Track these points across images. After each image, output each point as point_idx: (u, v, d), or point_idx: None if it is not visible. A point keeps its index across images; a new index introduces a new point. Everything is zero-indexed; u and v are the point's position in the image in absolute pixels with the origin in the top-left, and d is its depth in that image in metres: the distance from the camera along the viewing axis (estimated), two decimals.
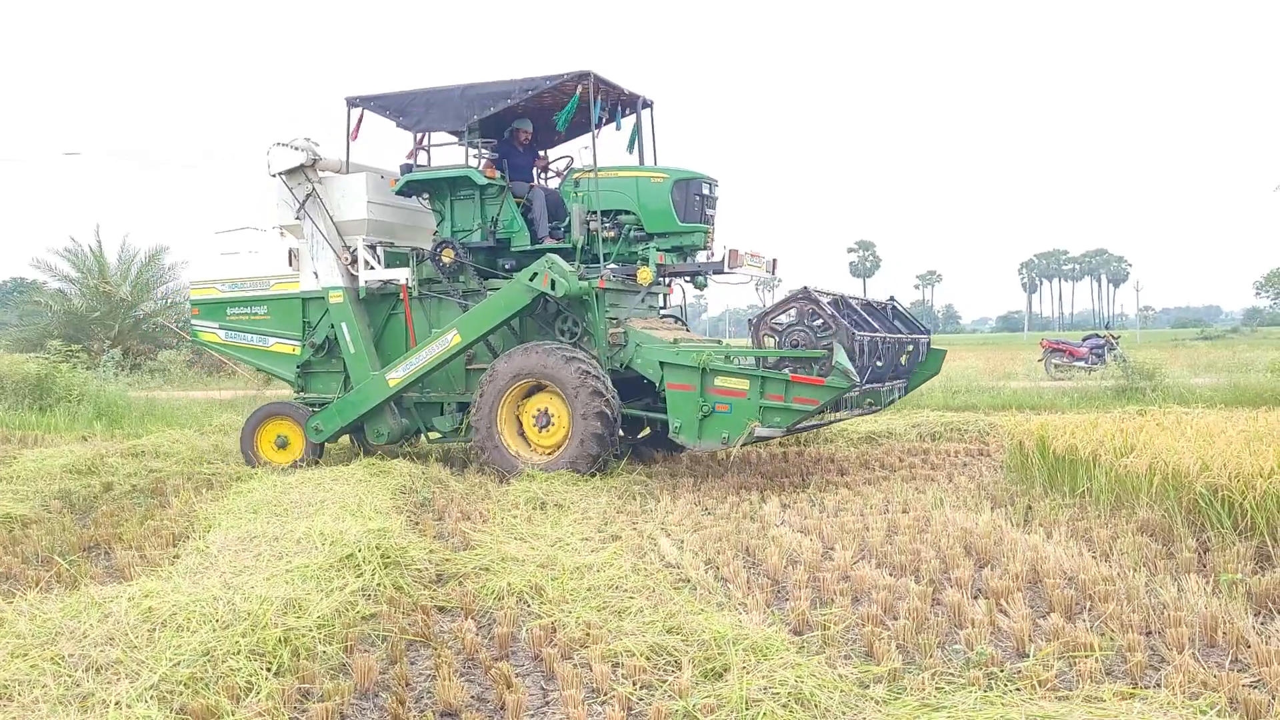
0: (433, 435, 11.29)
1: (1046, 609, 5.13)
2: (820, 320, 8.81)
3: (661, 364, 9.41)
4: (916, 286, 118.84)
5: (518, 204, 10.60)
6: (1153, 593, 5.16)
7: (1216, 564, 5.58)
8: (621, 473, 9.69)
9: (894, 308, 10.99)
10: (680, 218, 10.13)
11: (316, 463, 10.80)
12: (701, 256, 10.68)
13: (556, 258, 9.71)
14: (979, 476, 9.21)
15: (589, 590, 5.46)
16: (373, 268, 10.84)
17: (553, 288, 9.57)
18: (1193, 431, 7.34)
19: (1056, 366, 22.77)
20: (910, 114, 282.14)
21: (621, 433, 10.04)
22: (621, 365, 9.89)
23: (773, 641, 4.45)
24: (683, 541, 6.83)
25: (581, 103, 9.99)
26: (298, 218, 11.00)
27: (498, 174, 10.56)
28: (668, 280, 11.06)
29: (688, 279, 10.98)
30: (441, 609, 5.60)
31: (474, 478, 9.87)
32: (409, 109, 10.69)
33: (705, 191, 10.37)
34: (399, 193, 10.85)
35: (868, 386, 9.17)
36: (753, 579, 5.83)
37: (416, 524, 7.71)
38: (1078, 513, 7.13)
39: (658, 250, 10.07)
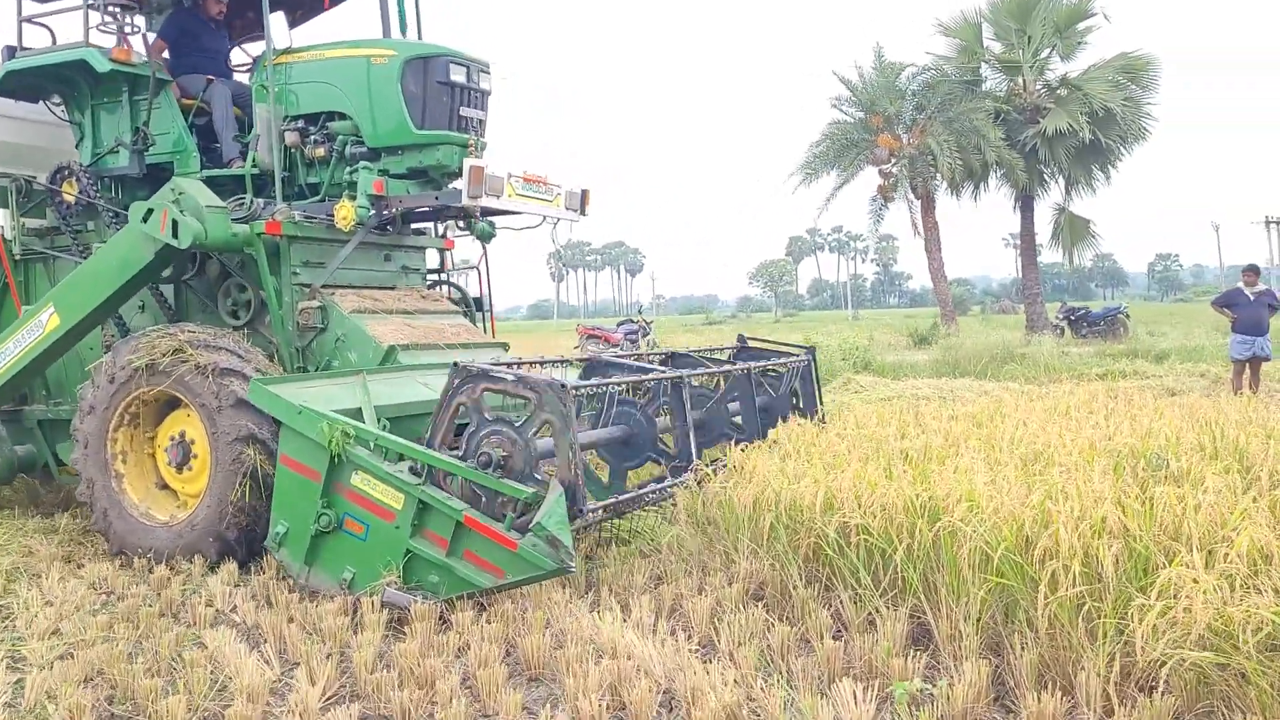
0: (66, 469, 6.93)
1: None
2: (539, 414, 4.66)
3: (276, 420, 5.18)
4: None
5: (191, 109, 6.81)
6: None
7: (869, 655, 3.76)
8: (14, 523, 6.50)
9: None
10: (418, 122, 6.30)
11: None
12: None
13: (192, 186, 6.05)
14: None
15: None
16: None
17: (175, 235, 5.80)
18: (790, 443, 5.62)
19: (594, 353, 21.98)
20: None
21: None
22: (316, 363, 6.24)
23: None
24: (21, 684, 3.82)
25: None
26: None
27: (136, 55, 6.66)
28: (442, 230, 7.45)
29: (462, 225, 7.29)
30: None
31: None
32: None
33: (460, 79, 6.43)
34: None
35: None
36: None
37: None
38: (654, 563, 5.15)
39: (376, 174, 6.25)
